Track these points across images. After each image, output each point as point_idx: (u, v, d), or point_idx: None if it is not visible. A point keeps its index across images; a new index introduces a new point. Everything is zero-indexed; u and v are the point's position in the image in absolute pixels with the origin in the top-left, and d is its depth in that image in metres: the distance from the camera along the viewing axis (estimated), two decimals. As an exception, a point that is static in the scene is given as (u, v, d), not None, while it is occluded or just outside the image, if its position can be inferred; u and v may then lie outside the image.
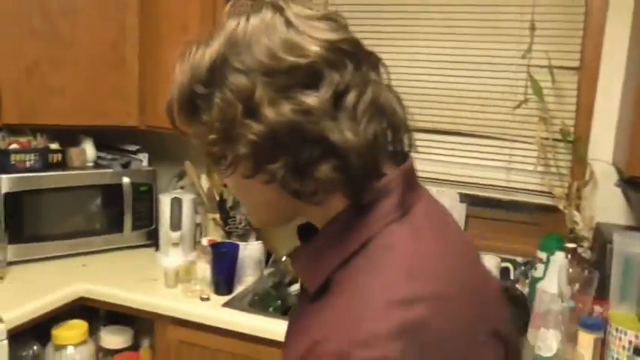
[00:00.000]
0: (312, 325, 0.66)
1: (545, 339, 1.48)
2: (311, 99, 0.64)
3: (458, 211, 2.15)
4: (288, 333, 0.79)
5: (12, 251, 2.06)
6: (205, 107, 0.67)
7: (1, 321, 1.66)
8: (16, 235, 2.08)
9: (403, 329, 0.58)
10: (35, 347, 1.90)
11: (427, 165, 2.20)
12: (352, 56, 0.67)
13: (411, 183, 0.72)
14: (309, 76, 0.64)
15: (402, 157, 0.73)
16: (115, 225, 2.32)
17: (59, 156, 2.22)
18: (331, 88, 0.64)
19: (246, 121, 0.64)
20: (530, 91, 2.00)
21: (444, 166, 2.19)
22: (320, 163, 0.65)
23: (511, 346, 0.71)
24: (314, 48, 0.65)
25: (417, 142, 2.17)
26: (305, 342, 0.63)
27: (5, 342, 1.65)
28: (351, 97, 0.65)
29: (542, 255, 1.83)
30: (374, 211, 0.67)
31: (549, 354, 1.46)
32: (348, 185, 0.67)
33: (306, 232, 0.78)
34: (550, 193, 1.99)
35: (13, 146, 2.08)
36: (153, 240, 2.39)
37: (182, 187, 2.46)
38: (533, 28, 2.02)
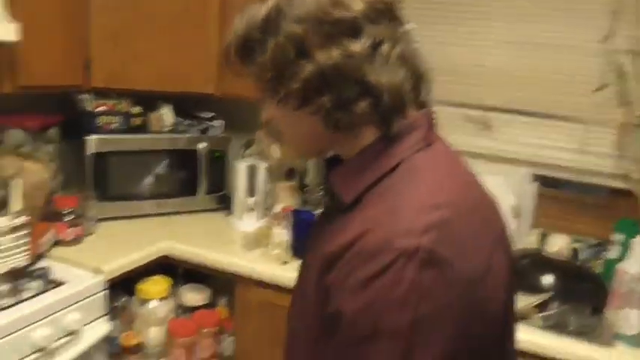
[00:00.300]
0: (351, 225, 0.78)
1: (628, 318, 1.53)
2: (354, 46, 0.77)
3: (529, 191, 2.19)
4: (314, 239, 0.93)
5: (97, 209, 2.15)
6: (260, 50, 0.81)
7: (102, 272, 1.76)
8: (100, 194, 2.18)
9: (433, 225, 0.72)
10: (124, 299, 2.01)
11: (501, 143, 2.24)
12: (386, 14, 0.81)
13: (432, 125, 0.86)
14: (351, 28, 0.78)
15: (422, 104, 0.86)
16: (189, 188, 2.41)
17: (140, 120, 2.30)
18: (370, 38, 0.78)
19: (300, 62, 0.78)
20: (610, 75, 2.02)
21: (518, 145, 2.22)
22: (358, 99, 0.78)
23: (512, 256, 0.85)
24: (357, 6, 0.78)
25: (492, 121, 2.22)
26: (347, 235, 0.76)
27: (104, 293, 1.75)
28: (385, 48, 0.79)
29: (619, 237, 1.87)
30: (402, 141, 0.82)
31: (632, 332, 1.51)
32: (380, 120, 0.80)
33: (331, 164, 0.92)
34: (625, 176, 2.02)
35: (101, 109, 2.16)
36: (223, 204, 2.47)
37: (249, 156, 2.53)
38: (616, 12, 2.03)
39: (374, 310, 0.71)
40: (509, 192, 2.14)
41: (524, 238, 2.17)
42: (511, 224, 2.12)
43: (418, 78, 0.83)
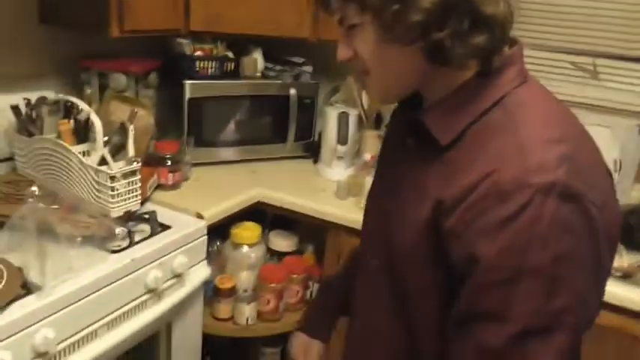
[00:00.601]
0: (465, 166, 0.77)
1: None
2: None
3: (635, 144, 2.08)
4: (398, 183, 0.92)
5: (192, 154, 2.18)
6: None
7: (203, 218, 1.79)
8: (194, 139, 2.21)
9: (563, 159, 0.72)
10: (218, 243, 2.05)
11: (608, 93, 2.12)
12: None
13: (523, 60, 0.85)
14: None
15: (512, 40, 0.85)
16: (278, 135, 2.40)
17: (232, 65, 2.29)
18: None
19: None
20: None
21: (627, 95, 2.10)
22: (475, 31, 0.75)
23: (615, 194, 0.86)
24: None
25: (600, 69, 2.12)
26: (468, 176, 0.75)
27: (206, 237, 1.79)
28: None
29: None
30: (502, 76, 0.81)
31: None
32: (488, 53, 0.78)
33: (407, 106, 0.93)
34: None
35: (198, 53, 2.16)
36: (310, 152, 2.47)
37: (336, 102, 2.49)
38: None
39: (515, 251, 0.71)
40: (614, 144, 2.04)
41: (627, 192, 2.07)
42: (614, 178, 2.03)
43: (512, 11, 0.80)
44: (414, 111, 0.89)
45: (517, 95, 0.80)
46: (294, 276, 2.10)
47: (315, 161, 2.43)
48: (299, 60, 2.44)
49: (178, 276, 1.66)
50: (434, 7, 0.73)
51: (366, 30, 0.81)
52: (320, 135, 2.42)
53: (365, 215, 1.09)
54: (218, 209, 1.89)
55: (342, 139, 2.26)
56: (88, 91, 1.96)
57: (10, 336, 1.19)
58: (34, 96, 1.79)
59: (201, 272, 1.78)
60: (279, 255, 2.20)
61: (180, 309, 1.72)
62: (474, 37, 0.76)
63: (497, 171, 0.73)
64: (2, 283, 1.24)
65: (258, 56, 2.35)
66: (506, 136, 0.76)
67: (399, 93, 0.90)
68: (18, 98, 1.76)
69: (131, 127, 1.60)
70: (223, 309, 2.01)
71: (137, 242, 1.57)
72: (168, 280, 1.63)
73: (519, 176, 0.71)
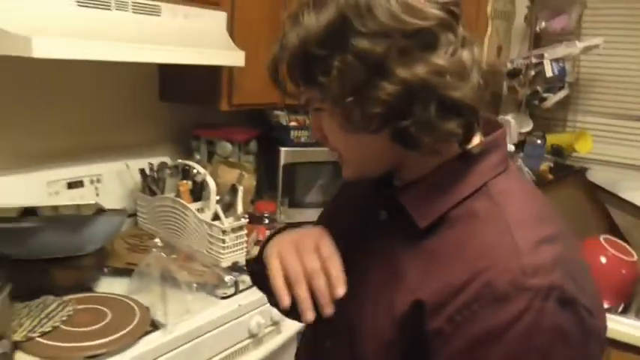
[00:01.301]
0: (446, 257, 0.71)
1: None
2: (438, 58, 0.67)
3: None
4: (380, 263, 0.80)
5: (285, 213, 2.37)
6: (322, 69, 0.69)
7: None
8: (286, 201, 2.40)
9: (557, 261, 0.67)
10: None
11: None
12: (458, 17, 0.71)
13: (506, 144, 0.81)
14: (428, 38, 0.67)
15: (493, 117, 0.81)
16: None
17: (320, 133, 2.50)
18: (448, 48, 0.68)
19: (378, 83, 0.67)
20: None
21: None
22: (443, 118, 0.68)
23: None
24: (433, 10, 0.68)
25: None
26: (454, 273, 0.68)
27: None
28: (465, 56, 0.69)
29: None
30: (484, 161, 0.75)
31: None
32: (463, 137, 0.72)
33: (384, 183, 0.83)
34: None
35: (293, 124, 2.39)
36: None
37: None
38: None
39: None
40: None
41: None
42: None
43: (487, 84, 0.72)
44: (387, 185, 0.83)
45: (499, 184, 0.74)
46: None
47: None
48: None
49: (276, 324, 1.81)
50: (392, 99, 0.67)
51: (329, 116, 0.75)
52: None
53: None
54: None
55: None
56: (197, 156, 2.21)
57: (141, 366, 1.38)
58: (152, 161, 2.05)
59: (296, 321, 1.91)
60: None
61: (275, 356, 1.85)
62: (443, 123, 0.69)
63: (488, 270, 0.66)
64: (136, 321, 1.44)
65: (344, 125, 2.55)
66: (496, 231, 0.70)
67: (373, 173, 0.81)
68: (139, 163, 2.03)
69: (240, 188, 1.81)
70: (313, 359, 2.12)
71: (242, 290, 1.74)
72: (268, 326, 1.78)
73: (515, 278, 0.65)
